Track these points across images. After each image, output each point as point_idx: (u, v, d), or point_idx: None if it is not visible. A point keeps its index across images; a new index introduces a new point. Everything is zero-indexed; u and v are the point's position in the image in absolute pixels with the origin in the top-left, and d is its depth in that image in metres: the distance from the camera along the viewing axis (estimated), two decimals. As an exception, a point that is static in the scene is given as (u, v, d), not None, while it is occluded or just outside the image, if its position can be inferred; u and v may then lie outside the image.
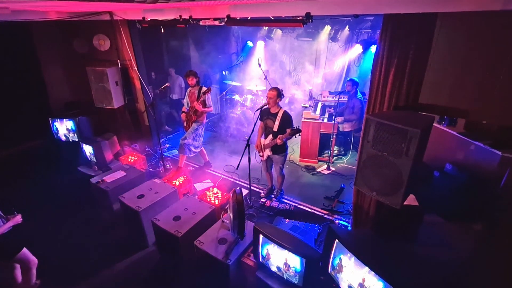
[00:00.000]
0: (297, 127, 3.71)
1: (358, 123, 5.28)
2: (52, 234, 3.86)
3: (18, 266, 2.93)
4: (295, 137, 3.81)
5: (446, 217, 2.80)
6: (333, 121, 5.10)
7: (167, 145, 6.24)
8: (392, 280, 2.02)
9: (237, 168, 3.87)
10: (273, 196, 4.51)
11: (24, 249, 2.92)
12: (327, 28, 6.18)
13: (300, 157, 5.60)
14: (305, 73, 7.25)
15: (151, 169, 5.32)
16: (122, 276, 3.32)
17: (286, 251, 2.56)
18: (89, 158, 4.96)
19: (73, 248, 3.66)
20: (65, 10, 4.47)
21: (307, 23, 3.06)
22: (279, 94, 3.85)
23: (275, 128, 3.89)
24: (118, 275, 3.33)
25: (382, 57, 2.77)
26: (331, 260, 2.56)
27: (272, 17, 3.38)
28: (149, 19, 4.34)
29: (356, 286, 2.32)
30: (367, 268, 2.16)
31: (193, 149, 4.92)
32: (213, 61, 7.45)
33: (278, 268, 2.73)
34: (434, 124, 2.69)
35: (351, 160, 5.55)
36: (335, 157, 5.62)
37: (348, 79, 5.58)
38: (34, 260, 2.99)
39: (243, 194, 3.06)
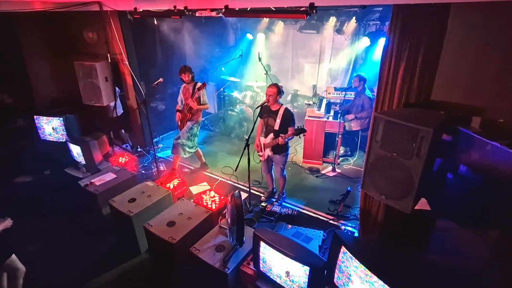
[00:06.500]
0: (301, 127, 3.71)
1: (367, 121, 5.27)
2: (38, 240, 3.85)
3: (5, 274, 2.93)
4: (299, 137, 3.79)
5: (460, 223, 2.79)
6: (339, 120, 5.09)
7: (161, 145, 6.24)
8: (402, 291, 2.02)
9: (235, 170, 3.86)
10: (274, 200, 4.51)
11: (13, 256, 2.92)
12: (332, 20, 6.17)
13: (303, 158, 5.60)
14: (309, 67, 7.24)
15: (143, 171, 5.32)
16: (112, 286, 3.32)
17: (289, 259, 2.55)
18: (77, 159, 4.96)
19: (60, 256, 3.66)
20: (51, 0, 4.47)
21: (310, 14, 3.04)
22: (279, 91, 3.85)
23: (276, 127, 3.89)
24: (108, 285, 3.33)
25: (392, 51, 2.76)
26: (337, 268, 2.55)
27: (273, 7, 3.37)
28: (141, 10, 4.34)
29: (363, 296, 2.31)
30: (375, 278, 2.16)
31: (187, 149, 4.91)
32: (210, 55, 7.45)
33: (280, 277, 2.72)
34: (447, 122, 2.68)
35: (358, 162, 5.55)
36: (341, 158, 5.61)
37: (355, 74, 5.57)
38: (22, 268, 2.99)
39: (242, 198, 3.05)
